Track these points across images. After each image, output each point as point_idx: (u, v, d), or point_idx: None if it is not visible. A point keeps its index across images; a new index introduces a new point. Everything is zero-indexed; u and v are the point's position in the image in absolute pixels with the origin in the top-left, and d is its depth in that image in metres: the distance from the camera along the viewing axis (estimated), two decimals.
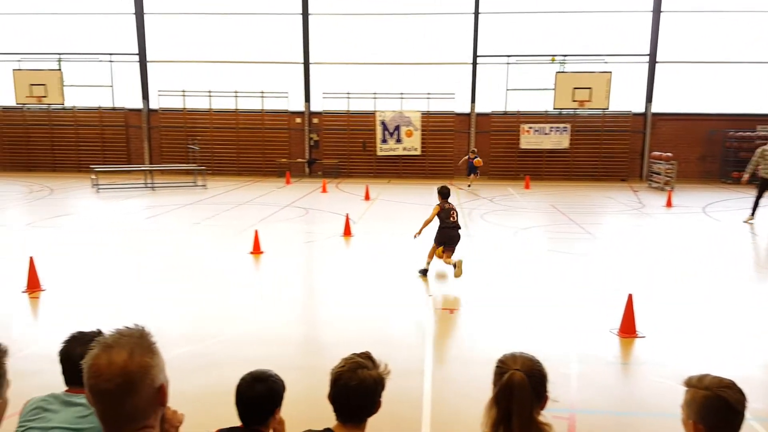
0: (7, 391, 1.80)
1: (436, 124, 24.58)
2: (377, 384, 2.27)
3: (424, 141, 24.41)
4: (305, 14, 24.22)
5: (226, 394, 3.61)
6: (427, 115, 24.41)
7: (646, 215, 15.57)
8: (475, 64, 24.24)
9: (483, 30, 24.08)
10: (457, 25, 24.24)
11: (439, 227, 9.06)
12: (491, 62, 24.35)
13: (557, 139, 24.04)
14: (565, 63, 23.94)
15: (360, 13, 24.11)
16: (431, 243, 9.19)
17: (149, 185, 19.94)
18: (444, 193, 9.15)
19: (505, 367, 2.14)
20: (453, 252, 9.02)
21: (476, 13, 23.90)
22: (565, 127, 23.99)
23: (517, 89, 24.33)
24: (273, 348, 6.14)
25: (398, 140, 24.35)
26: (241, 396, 2.60)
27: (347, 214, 12.66)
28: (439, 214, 9.01)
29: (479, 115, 24.58)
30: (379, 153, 24.54)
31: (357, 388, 2.23)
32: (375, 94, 24.53)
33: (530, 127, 24.08)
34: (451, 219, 8.99)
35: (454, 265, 8.61)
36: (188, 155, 24.25)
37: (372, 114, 24.49)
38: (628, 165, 24.35)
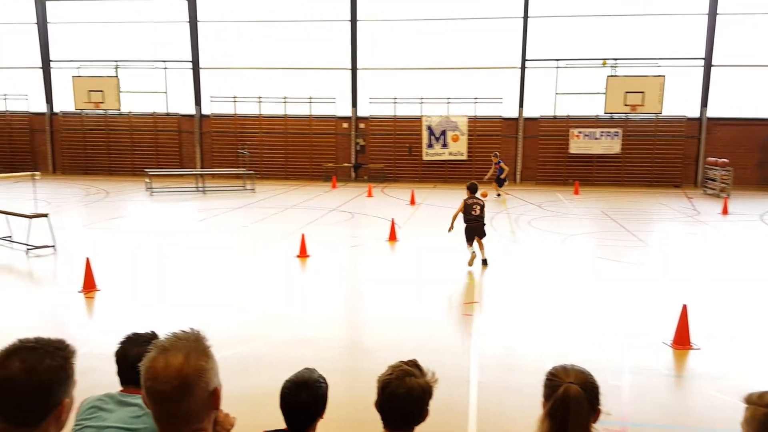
0: (73, 390, 1.87)
1: (483, 129, 24.39)
2: (425, 392, 2.25)
3: (470, 146, 24.24)
4: (353, 21, 24.42)
5: (273, 395, 3.65)
6: (473, 120, 24.24)
7: (701, 223, 15.07)
8: (523, 68, 23.96)
9: (532, 34, 23.79)
10: (506, 30, 24.01)
11: (464, 221, 9.87)
12: (540, 66, 24.04)
13: (608, 144, 23.52)
14: (616, 66, 23.43)
15: (407, 18, 24.16)
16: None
17: (200, 189, 20.41)
18: (471, 188, 10.19)
19: (557, 380, 2.09)
20: (482, 245, 9.87)
21: (525, 17, 23.64)
22: (617, 132, 23.46)
23: (566, 93, 23.93)
24: (319, 350, 6.18)
25: (444, 145, 24.25)
26: (286, 403, 2.61)
27: (392, 219, 12.68)
28: (464, 209, 9.82)
29: (527, 119, 24.27)
30: (425, 158, 24.49)
31: (405, 396, 2.21)
32: (421, 98, 24.51)
33: (580, 132, 23.64)
34: (473, 213, 9.71)
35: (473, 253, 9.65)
36: (238, 160, 24.72)
37: (418, 119, 24.48)
38: (681, 171, 23.62)
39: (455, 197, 19.39)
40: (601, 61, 23.47)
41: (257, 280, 9.13)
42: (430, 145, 24.33)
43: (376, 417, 2.32)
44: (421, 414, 2.26)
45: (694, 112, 23.48)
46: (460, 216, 10.13)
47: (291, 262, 10.22)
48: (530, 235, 13.09)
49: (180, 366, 1.58)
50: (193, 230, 13.40)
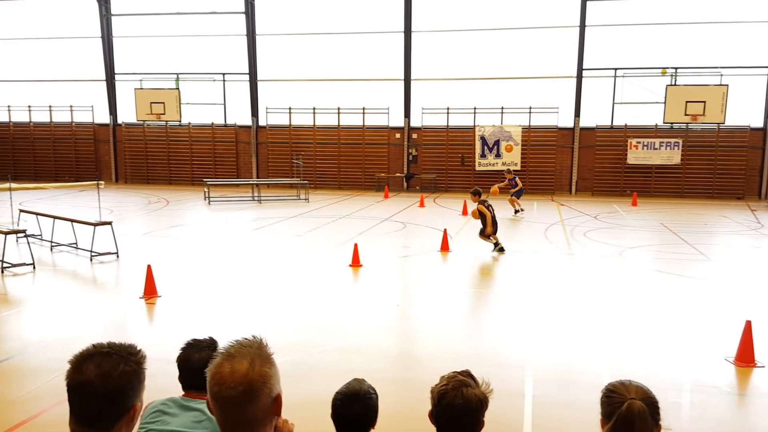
0: (143, 394, 1.93)
1: (537, 139, 24.09)
2: (482, 403, 2.24)
3: (524, 156, 23.98)
4: (407, 32, 24.57)
5: (326, 404, 3.71)
6: (528, 130, 23.98)
7: (765, 236, 14.46)
8: (580, 77, 23.59)
9: (589, 43, 23.40)
10: (561, 39, 23.72)
11: (492, 220, 11.97)
12: (597, 75, 23.61)
13: (668, 155, 22.86)
14: (676, 75, 22.79)
15: (461, 29, 24.15)
16: (478, 235, 12.12)
17: (256, 198, 20.85)
18: (479, 193, 12.54)
19: (617, 396, 2.05)
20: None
21: (582, 26, 23.29)
22: (677, 142, 22.78)
23: (624, 103, 23.41)
24: (371, 360, 6.22)
25: (498, 155, 24.06)
26: (338, 415, 2.64)
27: (445, 229, 12.65)
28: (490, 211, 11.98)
29: (583, 129, 23.85)
30: (478, 168, 24.35)
31: (463, 407, 2.20)
32: (475, 108, 24.42)
33: (638, 142, 23.06)
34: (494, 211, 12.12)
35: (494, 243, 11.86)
36: (292, 170, 25.16)
37: (471, 129, 24.37)
38: (745, 182, 22.73)
39: (509, 208, 19.22)
40: (661, 70, 22.88)
41: (311, 289, 9.26)
42: (483, 155, 24.18)
43: (428, 428, 2.33)
44: (477, 425, 2.26)
45: (758, 122, 22.60)
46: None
47: (344, 271, 10.32)
48: (586, 247, 12.83)
49: (245, 372, 1.62)
50: (248, 239, 13.70)
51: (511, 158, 23.93)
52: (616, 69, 23.31)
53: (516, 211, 18.05)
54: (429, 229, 14.89)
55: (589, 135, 23.83)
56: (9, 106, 27.98)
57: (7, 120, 28.11)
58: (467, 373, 2.32)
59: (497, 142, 24.01)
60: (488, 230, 11.87)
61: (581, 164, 23.93)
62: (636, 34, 23.14)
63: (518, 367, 6.07)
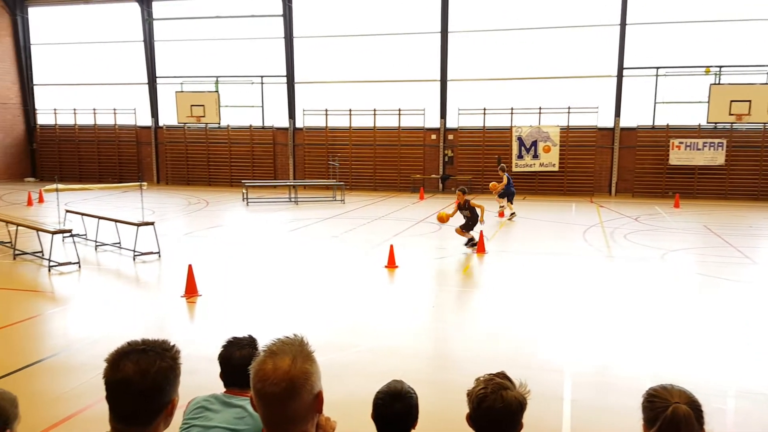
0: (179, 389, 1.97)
1: (576, 139, 23.74)
2: (521, 406, 2.22)
3: (562, 157, 23.65)
4: (444, 32, 24.50)
5: (364, 403, 3.73)
6: (566, 130, 23.65)
7: None
8: (620, 76, 23.16)
9: (630, 41, 22.96)
10: (601, 37, 23.33)
11: (472, 221, 12.19)
12: (638, 74, 23.15)
13: (711, 155, 22.26)
14: (720, 74, 22.19)
15: (498, 29, 23.97)
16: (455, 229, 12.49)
17: (293, 199, 21.06)
18: (465, 191, 12.48)
19: (660, 400, 2.01)
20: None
21: (623, 24, 22.86)
22: (721, 143, 22.16)
23: (666, 102, 22.90)
24: (407, 361, 6.23)
25: (535, 156, 23.79)
26: (380, 414, 2.65)
27: (481, 231, 12.57)
28: (466, 207, 12.13)
29: (624, 129, 23.40)
30: (515, 169, 24.09)
31: (503, 410, 2.18)
32: (512, 109, 24.20)
33: (681, 142, 22.53)
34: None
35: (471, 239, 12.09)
36: (328, 171, 25.33)
37: (508, 129, 24.16)
38: None
39: (546, 209, 19.02)
40: (704, 69, 22.30)
41: (347, 289, 9.31)
42: (520, 156, 23.94)
43: (465, 429, 2.33)
44: (516, 428, 2.24)
45: None
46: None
47: (379, 272, 10.34)
48: (627, 249, 12.59)
49: (288, 369, 1.65)
50: (285, 239, 13.84)
51: (549, 159, 23.64)
52: (657, 68, 22.81)
53: (512, 214, 17.12)
54: None
55: (629, 135, 23.38)
56: (55, 109, 28.88)
57: (54, 122, 29.00)
58: (503, 375, 2.30)
59: (535, 143, 23.74)
60: (481, 218, 12.37)
61: (621, 165, 23.49)
62: (678, 32, 22.61)
63: (556, 370, 6.00)
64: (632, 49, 23.02)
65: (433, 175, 25.13)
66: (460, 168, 24.94)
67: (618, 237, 13.98)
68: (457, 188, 12.88)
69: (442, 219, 12.22)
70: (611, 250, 12.44)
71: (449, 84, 24.80)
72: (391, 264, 10.56)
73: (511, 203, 17.52)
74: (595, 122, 23.55)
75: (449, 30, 24.48)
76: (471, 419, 2.26)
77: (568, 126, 23.66)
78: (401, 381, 2.82)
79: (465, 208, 12.29)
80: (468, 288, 9.55)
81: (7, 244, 11.96)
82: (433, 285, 10.16)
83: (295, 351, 1.71)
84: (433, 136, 25.17)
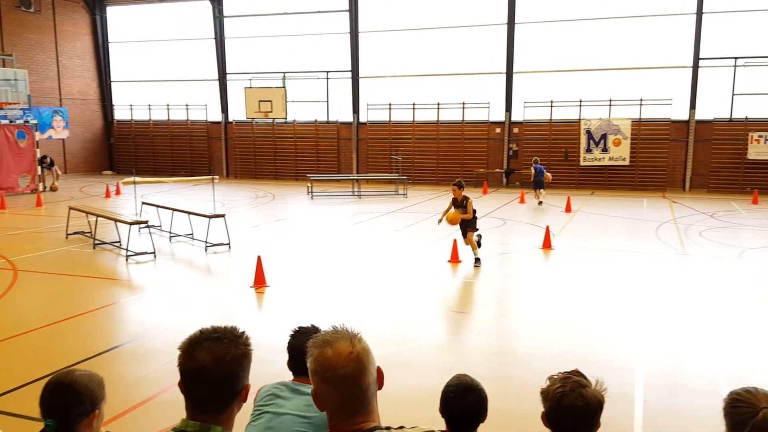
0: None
1: (648, 133, 22.92)
2: (601, 404, 2.17)
3: (633, 150, 22.88)
4: (511, 24, 24.10)
5: (426, 397, 3.75)
6: (638, 123, 22.85)
7: None
8: (696, 67, 22.18)
9: (706, 30, 21.95)
10: (676, 27, 22.41)
11: (475, 217, 10.56)
12: (715, 65, 22.11)
13: None
14: None
15: (567, 19, 23.39)
16: (461, 237, 10.61)
17: (356, 193, 21.25)
18: (462, 186, 10.63)
19: (747, 405, 1.92)
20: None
21: (699, 13, 21.87)
22: None
23: (745, 94, 21.78)
24: (470, 356, 6.20)
25: (604, 149, 23.11)
26: (451, 406, 2.65)
27: (547, 226, 12.34)
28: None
29: (699, 122, 22.42)
30: (583, 163, 23.51)
31: (583, 409, 2.14)
32: (580, 101, 23.58)
33: (761, 136, 21.38)
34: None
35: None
36: (391, 165, 25.41)
37: (576, 122, 23.57)
38: None
39: (615, 205, 18.47)
40: None
41: (409, 283, 9.34)
42: (588, 150, 23.31)
43: (531, 427, 2.30)
44: (595, 427, 2.19)
45: None
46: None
47: (443, 266, 10.32)
48: (702, 247, 12.09)
49: (351, 349, 1.74)
50: (349, 233, 13.99)
51: (620, 153, 22.92)
52: (736, 58, 21.72)
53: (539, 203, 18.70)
54: (530, 225, 14.57)
55: (705, 128, 22.37)
56: (131, 105, 30.14)
57: (130, 118, 30.29)
58: (579, 373, 2.26)
59: (604, 136, 23.06)
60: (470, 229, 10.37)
61: (696, 159, 22.53)
62: (758, 21, 21.43)
63: (627, 369, 5.84)
64: (709, 39, 21.99)
65: (497, 170, 24.81)
66: (525, 162, 24.51)
67: (692, 234, 13.43)
68: (452, 182, 11.07)
69: (455, 221, 10.38)
70: (685, 248, 11.97)
71: (515, 76, 24.39)
72: (455, 258, 10.52)
73: (541, 191, 18.92)
74: (668, 115, 22.66)
75: (516, 21, 24.06)
76: (548, 418, 2.22)
77: (639, 119, 22.87)
78: (467, 375, 2.82)
79: (461, 205, 10.62)
80: (533, 284, 9.40)
81: (87, 234, 12.59)
82: (497, 280, 10.05)
83: (347, 334, 1.79)
84: (498, 130, 24.84)
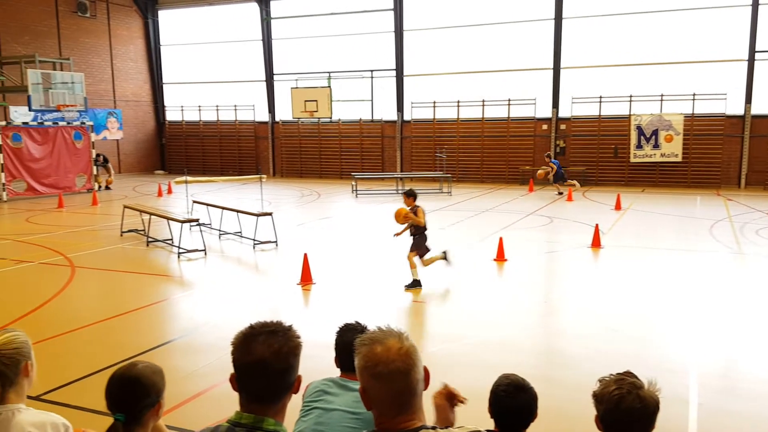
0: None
1: (701, 128, 22.22)
2: (658, 406, 2.13)
3: (686, 146, 22.21)
4: (558, 19, 23.72)
5: (475, 397, 3.74)
6: (690, 118, 22.17)
7: None
8: (752, 60, 21.39)
9: (763, 22, 21.12)
10: (730, 20, 21.65)
11: (422, 232, 8.82)
12: None
13: None
14: None
15: (616, 13, 22.87)
16: (406, 252, 9.00)
17: (400, 191, 21.26)
18: (413, 195, 9.08)
19: None
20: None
21: (755, 5, 21.07)
22: None
23: None
24: (519, 356, 6.14)
25: (656, 146, 22.50)
26: (502, 404, 2.63)
27: (596, 224, 12.11)
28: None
29: (756, 117, 21.61)
30: (633, 160, 22.96)
31: (641, 411, 2.11)
32: (630, 96, 23.03)
33: None
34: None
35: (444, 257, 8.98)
36: (435, 163, 25.35)
37: (626, 118, 23.02)
38: None
39: (667, 202, 17.99)
40: None
41: (455, 281, 9.30)
42: (639, 146, 22.75)
43: (581, 427, 2.27)
44: (650, 429, 2.15)
45: None
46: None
47: (488, 265, 10.25)
48: (759, 246, 11.66)
49: (399, 345, 1.79)
50: (393, 231, 13.99)
51: (671, 149, 22.29)
52: None
53: (559, 193, 20.12)
54: (578, 224, 14.32)
55: (762, 123, 21.54)
56: (182, 107, 30.90)
57: (180, 119, 31.05)
58: (632, 375, 2.22)
59: (655, 132, 22.46)
60: (399, 232, 9.25)
61: (752, 155, 21.72)
62: None
63: (680, 371, 5.69)
64: (765, 31, 21.16)
65: (544, 167, 24.44)
66: (573, 159, 24.10)
67: (748, 233, 12.97)
68: (403, 191, 9.81)
69: (402, 216, 9.19)
70: (741, 247, 11.57)
71: (562, 72, 23.99)
72: (500, 257, 10.43)
73: (563, 184, 20.28)
74: (723, 110, 21.93)
75: (563, 16, 23.66)
76: (602, 421, 2.18)
77: (692, 114, 22.19)
78: (515, 374, 2.80)
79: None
80: (582, 282, 9.25)
81: (140, 232, 12.98)
82: (544, 279, 9.93)
83: (395, 332, 1.84)
84: (545, 126, 24.48)
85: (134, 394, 2.23)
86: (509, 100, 24.68)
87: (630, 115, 22.88)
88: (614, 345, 6.46)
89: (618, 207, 16.70)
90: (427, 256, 8.85)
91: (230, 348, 1.92)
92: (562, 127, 24.23)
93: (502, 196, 20.11)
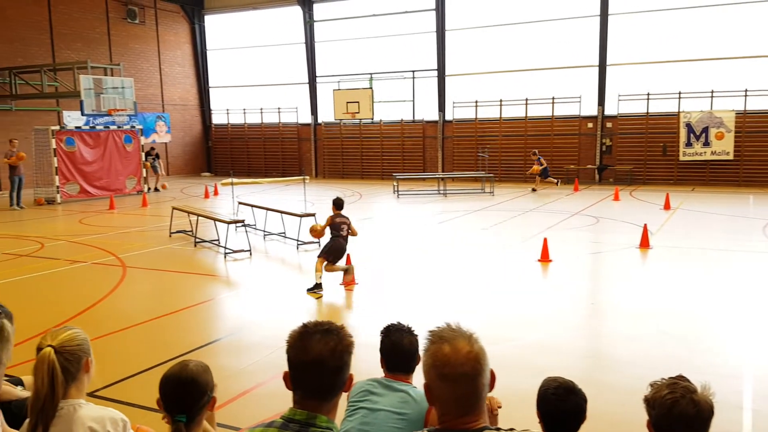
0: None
1: (754, 125, 21.48)
2: (712, 411, 2.08)
3: (738, 144, 21.51)
4: (604, 15, 23.26)
5: (521, 400, 3.70)
6: (743, 115, 21.46)
7: None
8: None
9: None
10: None
11: (331, 238, 8.84)
12: None
13: None
14: None
15: (663, 8, 22.30)
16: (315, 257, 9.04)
17: (441, 192, 21.20)
18: (338, 205, 8.97)
19: None
20: (336, 268, 8.88)
21: None
22: None
23: None
24: (564, 358, 6.05)
25: (706, 143, 21.84)
26: (552, 406, 2.60)
27: (645, 224, 11.82)
28: (331, 226, 8.78)
29: None
30: (682, 158, 22.35)
31: (696, 415, 2.07)
32: (679, 93, 22.42)
33: None
34: (342, 232, 8.76)
35: (345, 271, 8.89)
36: (477, 163, 25.17)
37: (675, 115, 22.43)
38: None
39: (718, 202, 17.46)
40: None
41: (498, 282, 9.23)
42: (688, 144, 22.14)
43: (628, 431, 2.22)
44: None
45: None
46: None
47: (532, 265, 10.12)
48: None
49: (469, 349, 1.78)
50: (435, 231, 13.98)
51: (723, 147, 21.61)
52: None
53: (557, 182, 22.29)
54: (625, 224, 14.02)
55: None
56: (227, 110, 31.49)
57: (226, 122, 31.64)
58: (684, 379, 2.16)
59: (706, 129, 21.81)
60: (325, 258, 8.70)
61: None
62: None
63: (734, 376, 5.51)
64: None
65: (589, 166, 24.03)
66: (620, 158, 23.62)
67: None
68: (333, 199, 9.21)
69: (315, 231, 9.10)
70: None
71: (608, 69, 23.52)
72: (545, 257, 10.29)
73: (544, 180, 21.80)
74: None
75: (609, 12, 23.19)
76: (655, 426, 2.14)
77: (744, 110, 21.48)
78: (562, 377, 2.76)
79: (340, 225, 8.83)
80: (630, 284, 9.04)
81: (188, 233, 13.28)
82: (590, 280, 9.75)
83: (465, 334, 1.82)
84: (590, 125, 24.05)
85: (192, 395, 2.30)
86: (553, 98, 24.34)
87: (679, 112, 22.30)
88: (664, 348, 6.30)
89: (667, 206, 16.28)
90: (338, 263, 8.91)
91: (276, 347, 1.98)
92: (608, 125, 23.76)
93: (546, 196, 19.84)
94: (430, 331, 1.88)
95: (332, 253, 8.74)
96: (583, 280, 9.62)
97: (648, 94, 22.87)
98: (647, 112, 23.05)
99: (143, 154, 22.95)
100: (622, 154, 23.60)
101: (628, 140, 23.50)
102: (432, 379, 1.79)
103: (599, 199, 18.64)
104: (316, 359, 1.92)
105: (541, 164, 21.68)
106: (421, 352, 1.89)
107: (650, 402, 2.15)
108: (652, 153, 23.04)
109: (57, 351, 2.29)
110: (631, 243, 11.53)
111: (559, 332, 6.90)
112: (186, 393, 2.29)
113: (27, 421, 2.32)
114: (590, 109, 24.00)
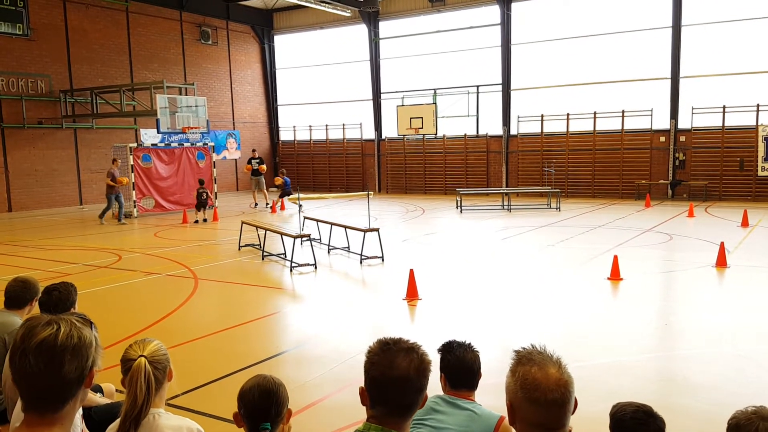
0: None
1: None
2: None
3: None
4: (676, 27, 22.56)
5: (592, 422, 3.61)
6: None
7: None
8: None
9: None
10: None
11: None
12: None
13: None
14: None
15: (739, 19, 21.42)
16: None
17: (506, 207, 20.94)
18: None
19: None
20: None
21: None
22: None
23: None
24: (635, 381, 5.85)
25: None
26: (629, 431, 2.54)
27: (722, 242, 11.31)
28: None
29: None
30: (761, 173, 21.30)
31: None
32: (758, 105, 21.43)
33: None
34: None
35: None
36: (543, 178, 24.74)
37: (753, 129, 21.43)
38: None
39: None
40: None
41: (566, 300, 9.02)
42: (767, 159, 21.09)
43: None
44: None
45: None
46: None
47: (601, 284, 9.85)
48: None
49: (559, 375, 1.80)
50: (499, 247, 13.81)
51: None
52: None
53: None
54: (700, 241, 13.46)
55: None
56: (294, 127, 32.23)
57: (293, 138, 32.38)
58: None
59: None
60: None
61: None
62: None
63: None
64: None
65: (661, 181, 23.22)
66: (694, 172, 22.72)
67: None
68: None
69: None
70: None
71: (681, 81, 22.75)
72: (615, 276, 9.98)
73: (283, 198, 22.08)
74: None
75: (682, 24, 22.48)
76: None
77: None
78: (635, 402, 2.69)
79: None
80: (705, 304, 8.66)
81: (257, 247, 13.62)
82: (664, 300, 9.39)
83: (554, 359, 1.84)
84: (662, 139, 23.28)
85: (277, 405, 2.44)
86: (623, 111, 23.72)
87: (757, 125, 21.31)
88: (744, 373, 5.99)
89: (745, 224, 15.53)
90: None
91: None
92: (682, 138, 22.94)
93: (616, 212, 19.28)
94: (517, 351, 1.88)
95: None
96: (655, 299, 9.28)
97: (724, 107, 21.97)
98: (723, 126, 22.11)
99: (249, 160, 24.11)
100: (697, 168, 22.71)
101: (702, 154, 22.60)
102: (518, 401, 1.79)
103: (672, 216, 17.97)
104: (403, 377, 1.95)
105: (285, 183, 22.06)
106: (506, 371, 1.90)
107: (734, 430, 2.06)
108: (729, 168, 22.06)
109: (149, 360, 2.40)
110: (707, 262, 11.05)
111: (629, 353, 6.67)
112: (271, 402, 2.41)
113: (113, 427, 2.43)
114: (662, 122, 23.23)
